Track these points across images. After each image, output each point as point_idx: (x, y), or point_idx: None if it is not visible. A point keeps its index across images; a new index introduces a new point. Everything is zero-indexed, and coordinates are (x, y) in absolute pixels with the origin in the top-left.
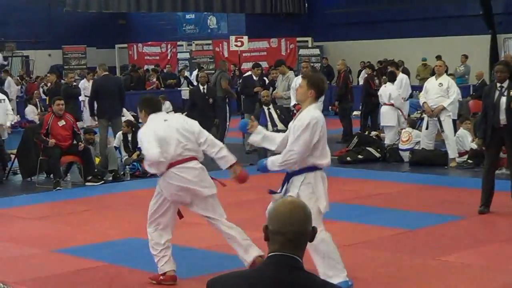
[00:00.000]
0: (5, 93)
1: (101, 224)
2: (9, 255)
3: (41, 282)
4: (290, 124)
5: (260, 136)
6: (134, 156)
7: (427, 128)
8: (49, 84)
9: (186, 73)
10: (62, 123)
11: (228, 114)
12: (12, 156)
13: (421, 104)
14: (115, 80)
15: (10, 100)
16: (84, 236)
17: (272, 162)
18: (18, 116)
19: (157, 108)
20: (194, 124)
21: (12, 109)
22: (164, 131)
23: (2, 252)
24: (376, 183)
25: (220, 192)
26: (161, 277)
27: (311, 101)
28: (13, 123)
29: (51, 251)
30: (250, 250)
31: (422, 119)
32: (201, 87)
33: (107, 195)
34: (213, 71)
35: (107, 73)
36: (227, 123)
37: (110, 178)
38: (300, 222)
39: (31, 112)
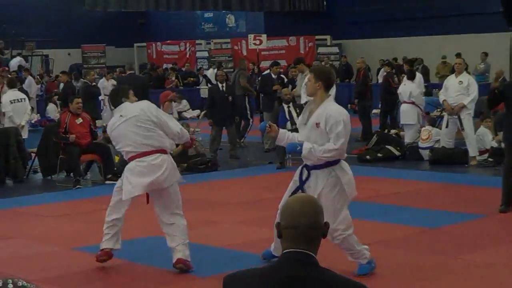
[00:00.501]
0: (26, 92)
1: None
2: (31, 252)
3: (63, 279)
4: (301, 119)
5: (283, 142)
6: None
7: (447, 126)
8: (61, 85)
9: (205, 72)
10: (79, 121)
11: (249, 112)
12: (33, 155)
13: (441, 102)
14: (139, 78)
15: (30, 99)
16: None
17: (310, 152)
18: (38, 114)
19: (115, 102)
20: (159, 114)
21: (32, 108)
22: (117, 129)
23: (23, 250)
24: (396, 181)
25: (239, 190)
26: (99, 252)
27: (321, 93)
28: (33, 121)
29: (72, 249)
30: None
31: (441, 117)
32: (219, 85)
33: None
34: (232, 70)
35: (132, 71)
36: (251, 120)
37: None
38: (310, 215)
39: (53, 111)
